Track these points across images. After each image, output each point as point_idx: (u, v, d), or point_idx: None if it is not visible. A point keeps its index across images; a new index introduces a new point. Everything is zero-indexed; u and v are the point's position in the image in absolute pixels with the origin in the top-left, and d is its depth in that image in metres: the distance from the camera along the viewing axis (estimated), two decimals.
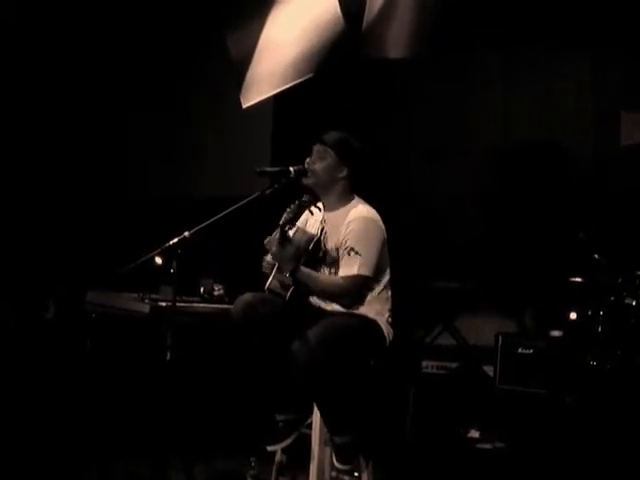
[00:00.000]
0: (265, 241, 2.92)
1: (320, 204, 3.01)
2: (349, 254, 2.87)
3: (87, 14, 5.38)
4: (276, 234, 2.83)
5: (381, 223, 2.97)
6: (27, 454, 3.50)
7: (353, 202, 3.04)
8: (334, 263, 2.97)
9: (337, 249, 2.95)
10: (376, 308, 2.98)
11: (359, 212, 2.96)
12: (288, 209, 2.85)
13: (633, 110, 4.84)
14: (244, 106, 4.81)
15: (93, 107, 5.58)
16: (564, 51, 5.04)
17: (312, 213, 2.97)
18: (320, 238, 3.00)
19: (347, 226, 2.92)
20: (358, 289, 2.91)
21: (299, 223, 3.07)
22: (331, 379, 2.74)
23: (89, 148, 5.56)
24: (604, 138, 4.94)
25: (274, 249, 2.84)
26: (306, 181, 3.02)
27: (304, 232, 3.01)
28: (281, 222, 2.81)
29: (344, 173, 3.01)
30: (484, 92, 5.28)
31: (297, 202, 2.87)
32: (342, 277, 2.90)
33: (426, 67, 5.12)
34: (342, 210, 3.02)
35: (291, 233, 2.89)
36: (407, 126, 5.36)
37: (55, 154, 5.40)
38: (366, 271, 2.87)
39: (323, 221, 3.06)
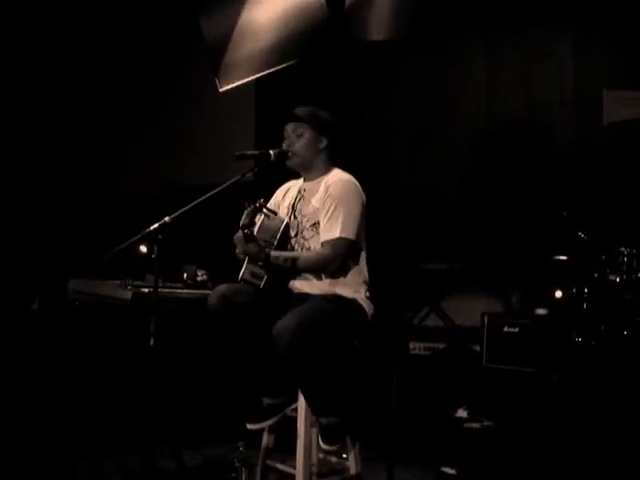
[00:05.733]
0: (234, 237, 2.94)
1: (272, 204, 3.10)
2: (330, 217, 2.87)
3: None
4: (239, 233, 2.84)
5: (360, 188, 2.97)
6: (16, 443, 3.50)
7: (333, 172, 3.05)
8: (313, 229, 2.97)
9: (314, 213, 2.96)
10: (353, 285, 2.96)
11: (338, 176, 2.98)
12: (246, 211, 2.82)
13: (615, 88, 4.84)
14: (221, 90, 4.77)
15: (78, 98, 5.55)
16: (546, 30, 5.04)
17: (268, 217, 2.93)
18: (289, 222, 3.01)
19: (326, 189, 2.93)
20: (340, 253, 2.88)
21: (280, 195, 3.15)
22: (312, 362, 2.73)
23: (71, 139, 5.53)
24: (587, 116, 4.94)
25: (239, 248, 2.87)
26: (290, 163, 3.02)
27: (274, 217, 3.00)
28: (240, 224, 2.80)
29: (324, 144, 3.03)
30: (466, 73, 5.27)
31: (252, 207, 2.81)
32: (322, 243, 2.89)
33: (409, 49, 5.11)
34: (321, 178, 3.03)
35: (257, 226, 2.90)
36: (391, 109, 5.35)
37: (39, 146, 5.37)
38: (348, 234, 2.86)
39: (303, 190, 3.07)
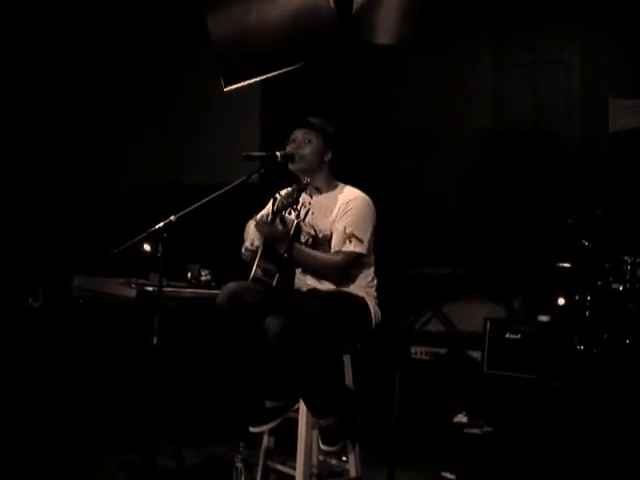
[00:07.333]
0: (255, 225, 2.91)
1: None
2: (347, 231, 2.91)
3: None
4: (267, 218, 2.82)
5: (373, 206, 3.03)
6: (16, 441, 3.51)
7: (340, 186, 3.08)
8: (323, 243, 2.98)
9: (330, 228, 2.97)
10: (364, 286, 2.99)
11: (356, 193, 3.02)
12: (284, 193, 2.83)
13: (621, 96, 4.85)
14: (225, 89, 4.77)
15: (81, 96, 5.55)
16: (554, 36, 5.05)
17: (311, 196, 2.98)
18: (300, 222, 3.00)
19: (346, 205, 2.96)
20: (349, 265, 2.93)
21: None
22: (304, 357, 2.69)
23: (74, 136, 5.53)
24: (593, 123, 4.95)
25: (267, 230, 2.84)
26: (294, 166, 3.01)
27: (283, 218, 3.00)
28: (277, 207, 2.79)
29: (329, 156, 3.06)
30: (472, 77, 5.28)
31: (295, 186, 2.84)
32: (337, 252, 2.92)
33: (414, 52, 5.11)
34: (331, 193, 3.05)
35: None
36: (395, 112, 5.35)
37: (42, 143, 5.37)
38: (362, 249, 2.92)
39: (308, 203, 3.06)
